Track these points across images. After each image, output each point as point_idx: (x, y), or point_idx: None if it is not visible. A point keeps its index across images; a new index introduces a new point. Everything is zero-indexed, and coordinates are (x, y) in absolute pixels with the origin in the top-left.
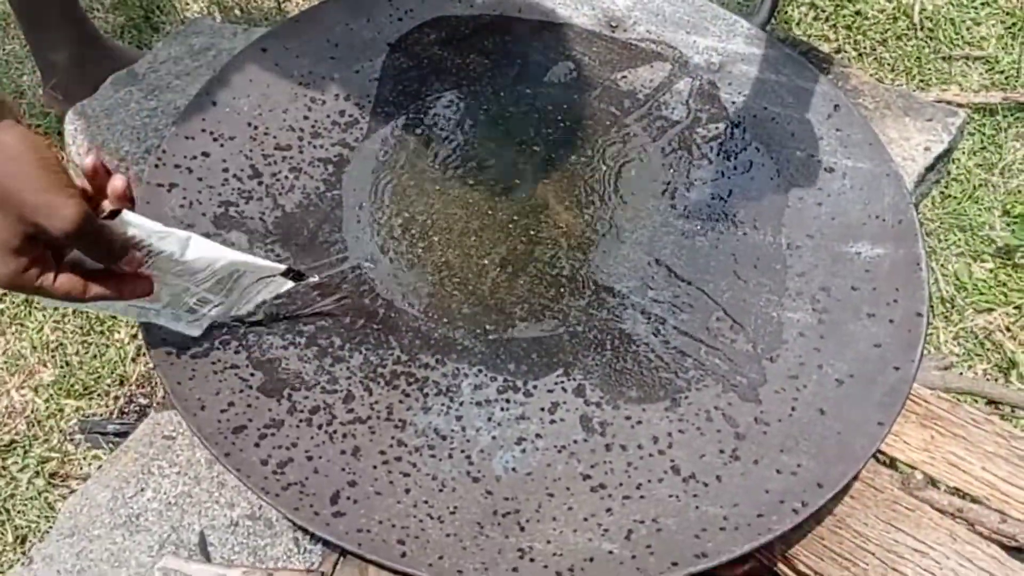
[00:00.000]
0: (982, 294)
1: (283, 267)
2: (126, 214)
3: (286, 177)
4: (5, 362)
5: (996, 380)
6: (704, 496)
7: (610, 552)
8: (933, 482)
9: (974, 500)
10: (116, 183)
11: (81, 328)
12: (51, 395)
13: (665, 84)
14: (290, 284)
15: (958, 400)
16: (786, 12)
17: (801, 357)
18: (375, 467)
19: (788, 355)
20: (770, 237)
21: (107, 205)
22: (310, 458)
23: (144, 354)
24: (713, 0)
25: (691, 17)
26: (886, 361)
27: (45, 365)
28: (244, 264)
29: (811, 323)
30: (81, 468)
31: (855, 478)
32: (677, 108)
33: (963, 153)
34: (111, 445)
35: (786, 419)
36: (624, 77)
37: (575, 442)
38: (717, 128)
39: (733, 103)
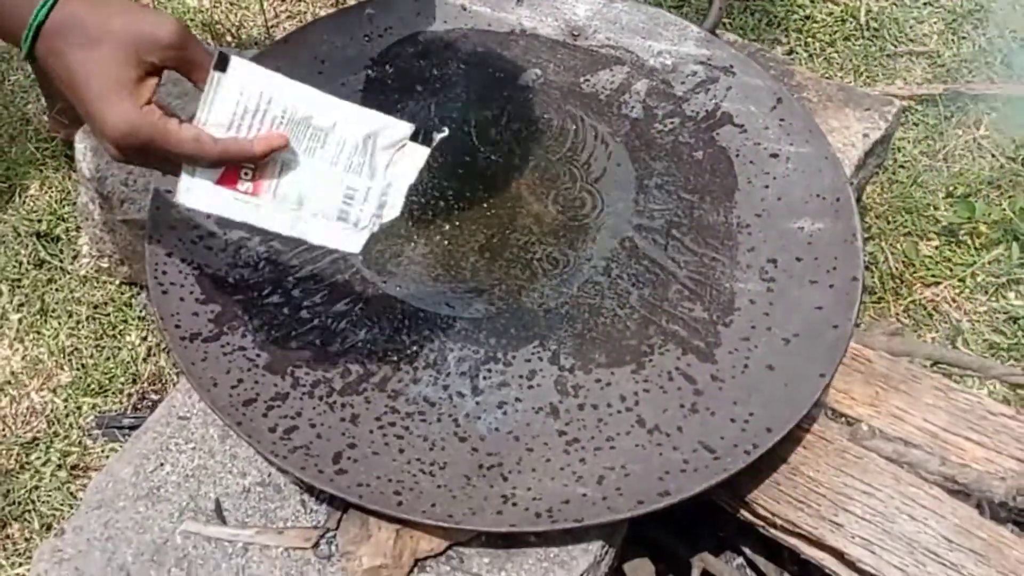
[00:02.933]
0: (928, 269)
1: (411, 126)
2: (236, 60)
3: None
4: (24, 367)
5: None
6: (667, 444)
7: (583, 495)
8: (878, 433)
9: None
10: None
11: (95, 333)
12: (69, 395)
13: (624, 85)
14: (426, 151)
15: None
16: (742, 19)
17: (752, 321)
18: (371, 431)
19: (741, 320)
20: (723, 217)
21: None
22: (313, 425)
23: (154, 354)
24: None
25: (646, 24)
26: (827, 321)
27: (62, 368)
28: (370, 120)
29: (760, 291)
30: (100, 460)
31: (803, 423)
32: (636, 107)
33: (908, 142)
34: (127, 438)
35: (739, 376)
36: (587, 80)
37: (551, 403)
38: (672, 123)
39: (686, 100)
